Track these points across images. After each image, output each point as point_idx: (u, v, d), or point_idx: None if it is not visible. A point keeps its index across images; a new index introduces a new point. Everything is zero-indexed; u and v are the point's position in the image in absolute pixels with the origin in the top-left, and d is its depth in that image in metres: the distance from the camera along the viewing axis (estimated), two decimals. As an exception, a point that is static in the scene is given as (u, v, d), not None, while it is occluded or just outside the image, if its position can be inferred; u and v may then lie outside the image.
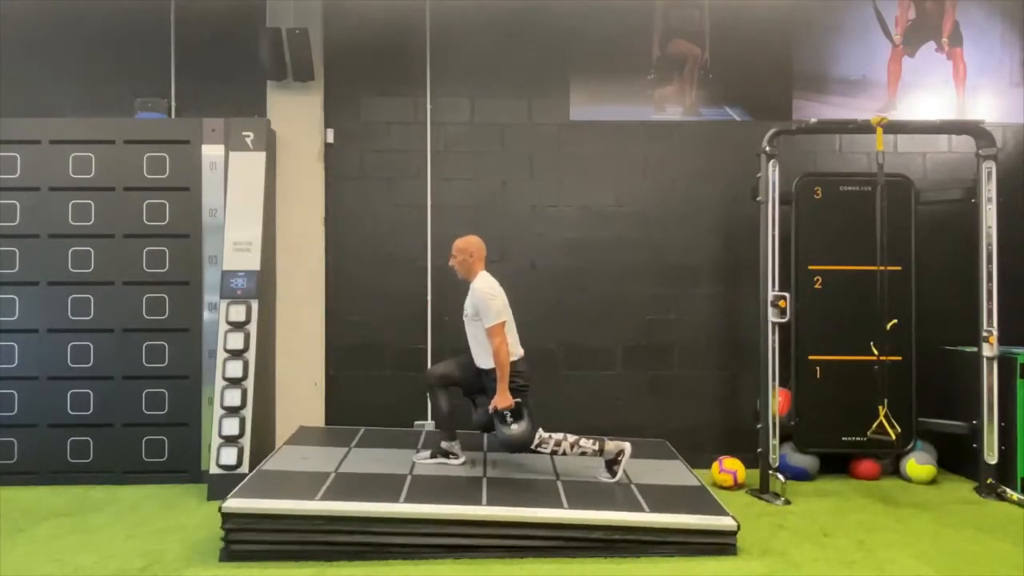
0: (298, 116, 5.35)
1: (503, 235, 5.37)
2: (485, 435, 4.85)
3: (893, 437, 4.58)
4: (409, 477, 4.09)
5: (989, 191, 4.76)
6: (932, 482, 4.99)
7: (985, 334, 4.71)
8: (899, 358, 4.94)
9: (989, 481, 4.69)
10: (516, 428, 4.10)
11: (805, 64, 5.59)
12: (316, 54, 5.27)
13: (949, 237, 5.33)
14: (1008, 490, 4.65)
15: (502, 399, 4.07)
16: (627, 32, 5.53)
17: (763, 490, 4.66)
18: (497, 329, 4.07)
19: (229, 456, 4.59)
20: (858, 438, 4.91)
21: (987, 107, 5.57)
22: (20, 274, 4.97)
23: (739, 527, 3.71)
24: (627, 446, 4.27)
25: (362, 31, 5.44)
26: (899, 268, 4.96)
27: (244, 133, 5.04)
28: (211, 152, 5.05)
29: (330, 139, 5.44)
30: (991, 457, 4.69)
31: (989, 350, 4.71)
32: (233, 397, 4.69)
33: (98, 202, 5.00)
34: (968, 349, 4.98)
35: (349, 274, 5.45)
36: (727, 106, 5.57)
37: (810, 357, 5.07)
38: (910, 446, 5.01)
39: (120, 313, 4.97)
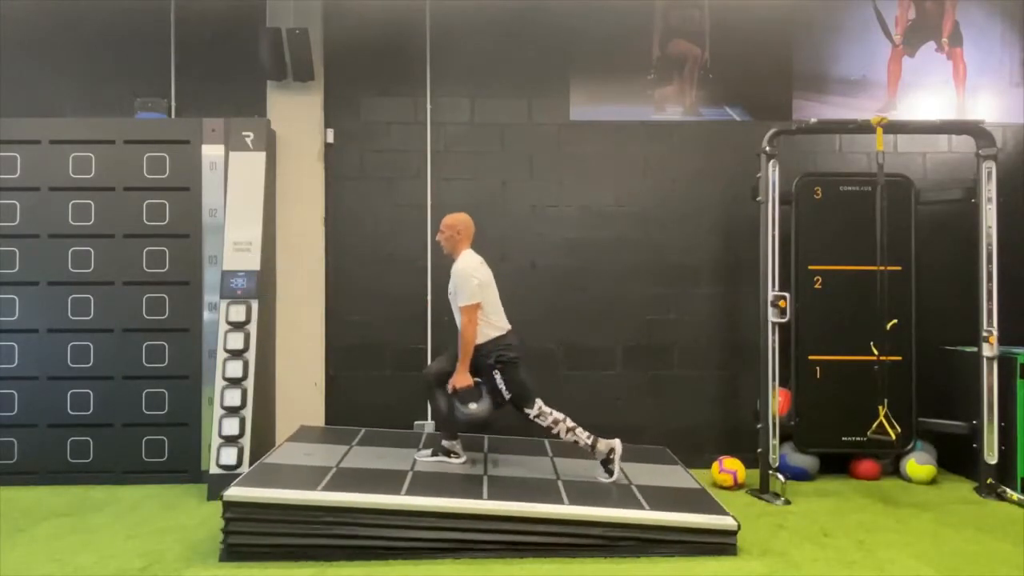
0: (298, 116, 5.35)
1: (503, 235, 5.37)
2: (486, 439, 4.85)
3: (893, 437, 4.58)
4: (410, 473, 4.10)
5: (989, 191, 4.76)
6: (932, 482, 4.99)
7: (985, 334, 4.71)
8: (899, 358, 4.94)
9: (989, 481, 4.69)
10: (474, 407, 4.14)
11: (805, 64, 5.59)
12: (316, 54, 5.27)
13: (949, 237, 5.33)
14: (1008, 490, 4.65)
15: (460, 378, 4.12)
16: (627, 32, 5.54)
17: (763, 490, 4.66)
18: (469, 310, 4.11)
19: (229, 456, 4.59)
20: (858, 438, 4.91)
21: (987, 107, 5.58)
22: (20, 274, 4.97)
23: (739, 527, 3.71)
24: (617, 443, 4.28)
25: (362, 31, 5.44)
26: (899, 268, 4.96)
27: (244, 133, 5.05)
28: (211, 152, 5.05)
29: (330, 139, 5.44)
30: (991, 457, 4.69)
31: (989, 350, 4.71)
32: (233, 397, 4.69)
33: (98, 202, 5.00)
34: (968, 349, 4.98)
35: (349, 274, 5.45)
36: (727, 106, 5.57)
37: (810, 357, 5.07)
38: (910, 446, 5.01)
39: (120, 313, 4.98)
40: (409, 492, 3.78)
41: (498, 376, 4.17)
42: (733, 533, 3.71)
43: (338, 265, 5.44)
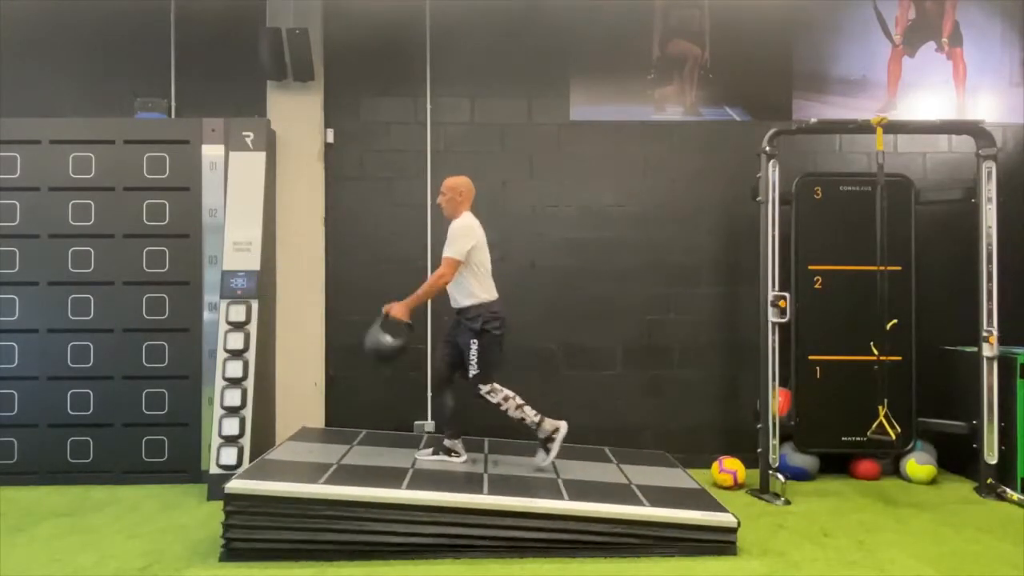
0: (298, 116, 5.35)
1: (503, 235, 5.36)
2: (487, 441, 4.85)
3: (893, 437, 4.58)
4: (411, 470, 4.10)
5: (989, 191, 4.76)
6: (932, 482, 4.99)
7: (985, 334, 4.71)
8: (899, 358, 4.94)
9: (989, 481, 4.69)
10: (390, 340, 4.16)
11: (805, 64, 5.59)
12: (316, 54, 5.27)
13: (949, 237, 5.33)
14: (1008, 490, 4.65)
15: (400, 310, 4.15)
16: (627, 32, 5.54)
17: (763, 490, 4.66)
18: (452, 263, 4.16)
19: (229, 456, 4.59)
20: (858, 438, 4.91)
21: (987, 107, 5.58)
22: (20, 274, 4.97)
23: (739, 523, 3.71)
24: (563, 424, 4.29)
25: (362, 31, 5.44)
26: (899, 268, 4.96)
27: (244, 133, 5.05)
28: (211, 152, 5.05)
29: (330, 139, 5.44)
30: (991, 457, 4.69)
31: (989, 350, 4.71)
32: (233, 397, 4.69)
33: (98, 202, 5.00)
34: (968, 349, 4.98)
35: (349, 274, 5.45)
36: (727, 106, 5.57)
37: (810, 357, 5.07)
38: (910, 446, 5.01)
39: (120, 313, 4.98)
40: (410, 487, 3.78)
41: (475, 345, 4.18)
42: (733, 530, 3.71)
43: (338, 265, 5.44)
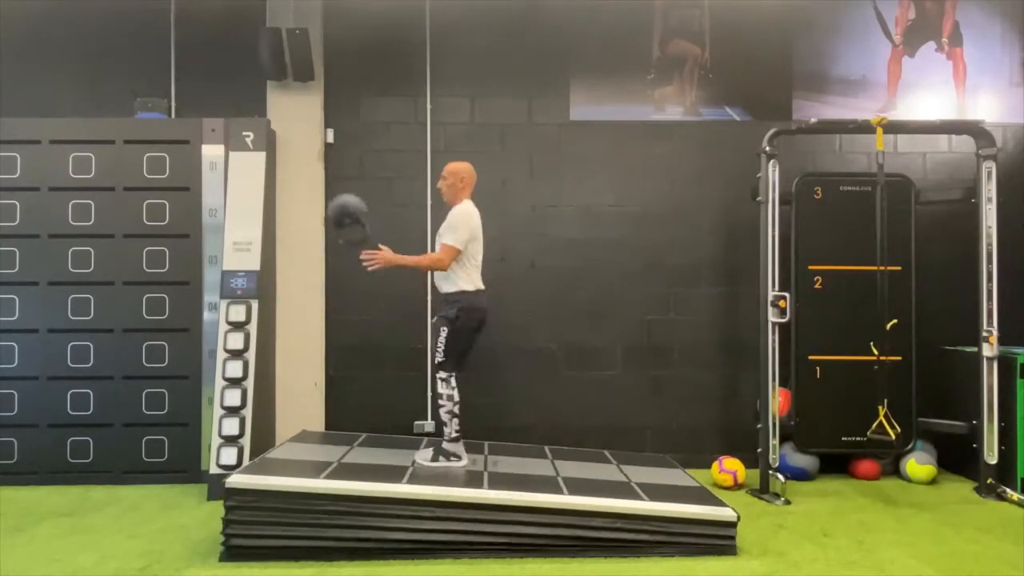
0: (298, 116, 5.35)
1: (503, 235, 5.37)
2: (487, 444, 4.84)
3: (893, 437, 4.58)
4: (411, 468, 4.11)
5: (989, 191, 4.76)
6: (932, 482, 4.99)
7: (985, 334, 4.71)
8: (899, 358, 4.94)
9: (989, 481, 4.69)
10: (347, 232, 4.17)
11: (805, 64, 5.59)
12: (316, 54, 5.27)
13: (949, 237, 5.33)
14: (1008, 490, 4.65)
15: (390, 258, 4.14)
16: (627, 32, 5.54)
17: (763, 490, 4.66)
18: (449, 250, 4.16)
19: (229, 456, 4.59)
20: (858, 438, 4.91)
21: (987, 107, 5.58)
22: (20, 274, 4.97)
23: (739, 517, 3.72)
24: (466, 460, 4.27)
25: (362, 31, 5.44)
26: (899, 268, 4.96)
27: (244, 133, 5.05)
28: (211, 152, 5.05)
29: (330, 139, 5.44)
30: (991, 457, 4.69)
31: (989, 350, 4.71)
32: (233, 397, 4.69)
33: (98, 202, 5.00)
34: (968, 349, 4.98)
35: (349, 274, 5.42)
36: (727, 106, 5.57)
37: (810, 357, 5.07)
38: (910, 446, 5.01)
39: (120, 313, 4.98)
40: (410, 483, 3.79)
41: (444, 332, 4.18)
42: (732, 524, 3.71)
43: (338, 265, 5.43)
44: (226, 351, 4.76)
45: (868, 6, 5.61)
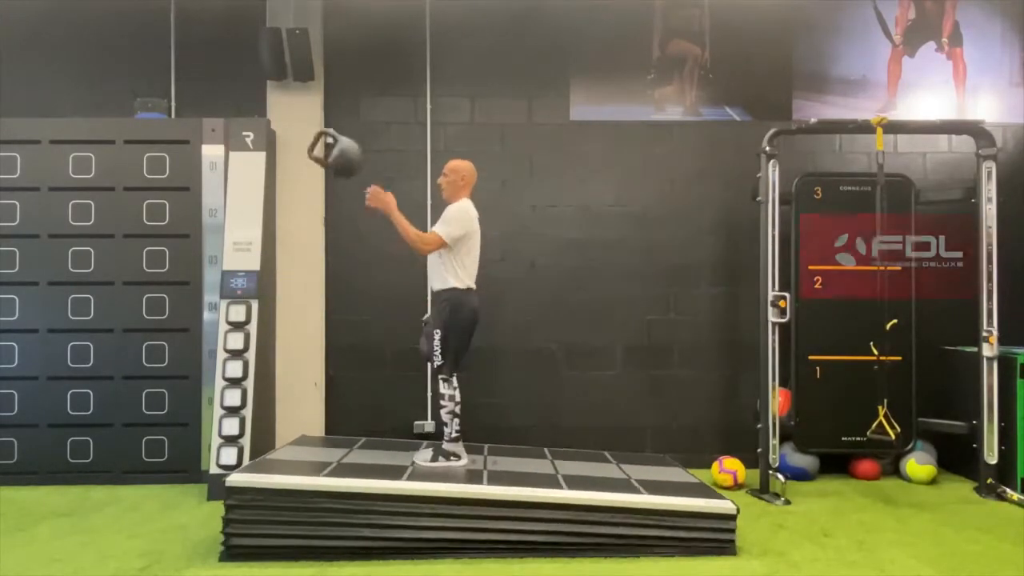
0: (298, 116, 5.35)
1: (503, 235, 5.38)
2: (487, 447, 4.84)
3: (893, 437, 4.58)
4: (410, 467, 4.11)
5: (989, 191, 4.76)
6: (932, 482, 4.99)
7: (985, 334, 4.71)
8: (899, 358, 4.94)
9: (989, 481, 4.69)
10: (337, 153, 4.23)
11: (805, 64, 5.59)
12: (316, 54, 5.27)
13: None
14: (1008, 490, 4.65)
15: (391, 204, 4.21)
16: (627, 32, 5.54)
17: (763, 490, 4.66)
18: (436, 241, 4.18)
19: (229, 456, 4.59)
20: (858, 438, 4.91)
21: (987, 107, 5.58)
22: (20, 274, 4.97)
23: (738, 510, 3.72)
24: (465, 460, 4.28)
25: (362, 31, 5.44)
26: (899, 268, 4.96)
27: (244, 133, 5.05)
28: (211, 152, 5.05)
29: (330, 139, 5.43)
30: (991, 457, 4.69)
31: (989, 350, 4.70)
32: (233, 397, 4.69)
33: (98, 202, 5.00)
34: (968, 349, 4.98)
35: (349, 274, 5.45)
36: (727, 106, 5.57)
37: (810, 357, 5.07)
38: (910, 446, 5.01)
39: (120, 313, 4.98)
40: (410, 480, 3.80)
41: (438, 335, 4.18)
42: (732, 517, 3.71)
43: (338, 265, 5.44)
44: (226, 351, 4.76)
45: (868, 6, 5.61)
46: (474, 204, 4.38)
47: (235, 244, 4.92)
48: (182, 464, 4.93)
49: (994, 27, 5.62)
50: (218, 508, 3.65)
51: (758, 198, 4.81)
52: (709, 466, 5.01)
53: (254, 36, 5.16)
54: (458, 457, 4.30)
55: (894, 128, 4.98)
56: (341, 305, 5.42)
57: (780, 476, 4.63)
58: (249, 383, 4.73)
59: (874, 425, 4.64)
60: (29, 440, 4.92)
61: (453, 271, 4.22)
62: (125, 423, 4.95)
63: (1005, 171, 5.22)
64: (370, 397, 5.40)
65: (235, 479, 3.62)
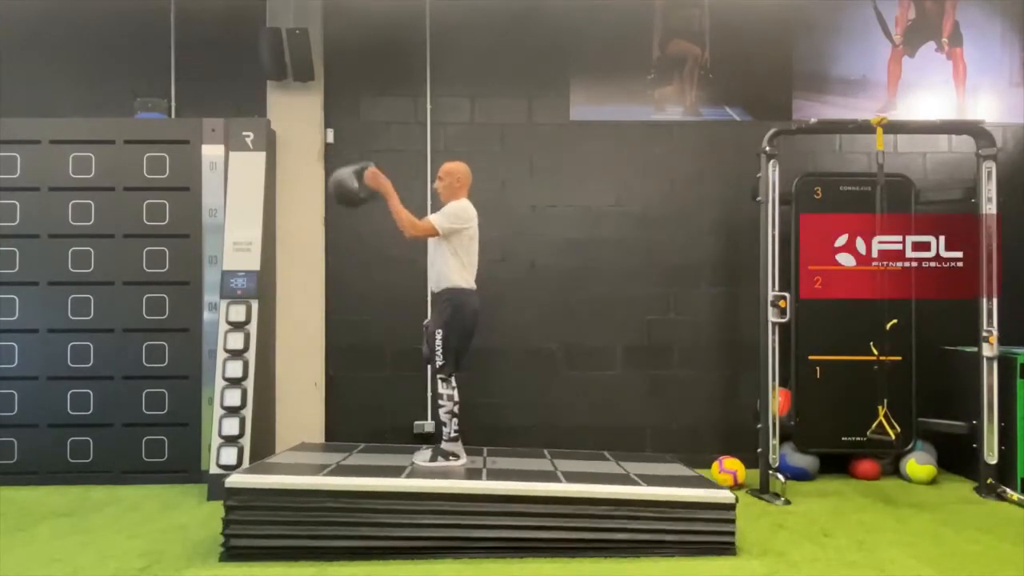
0: (298, 116, 5.35)
1: (503, 235, 5.38)
2: (486, 448, 4.84)
3: (893, 437, 4.58)
4: (409, 467, 4.11)
5: (989, 191, 4.76)
6: (932, 482, 4.99)
7: (985, 334, 4.71)
8: (899, 358, 4.94)
9: (989, 481, 4.69)
10: (344, 169, 4.29)
11: (805, 64, 5.59)
12: (316, 54, 5.27)
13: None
14: (1008, 490, 4.64)
15: (388, 187, 4.27)
16: (627, 32, 5.54)
17: (763, 490, 4.66)
18: (428, 228, 4.21)
19: (229, 456, 4.60)
20: (858, 438, 4.91)
21: (987, 107, 5.58)
22: (20, 274, 4.97)
23: (737, 500, 3.73)
24: (464, 459, 4.29)
25: (362, 31, 5.44)
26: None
27: (244, 133, 5.05)
28: (211, 152, 5.05)
29: (330, 139, 5.44)
30: (991, 457, 4.69)
31: (989, 350, 4.70)
32: (233, 397, 4.69)
33: (98, 202, 5.01)
34: (968, 349, 4.98)
35: (349, 274, 5.45)
36: (727, 106, 5.57)
37: (810, 357, 5.07)
38: (910, 446, 5.01)
39: (120, 313, 4.98)
40: (409, 479, 3.80)
41: (439, 335, 4.18)
42: (731, 507, 3.71)
43: (338, 265, 5.44)
44: (226, 351, 4.76)
45: (868, 6, 5.61)
46: (473, 204, 4.38)
47: (235, 244, 4.92)
48: (182, 464, 4.93)
49: (994, 27, 5.62)
50: (218, 508, 3.65)
51: (758, 198, 4.81)
52: (709, 466, 5.01)
53: (254, 36, 5.16)
54: (457, 457, 4.31)
55: (894, 128, 4.98)
56: (341, 305, 5.43)
57: (780, 476, 4.63)
58: (249, 383, 4.73)
59: (874, 425, 4.65)
60: (29, 440, 4.92)
61: (457, 269, 4.22)
62: (125, 423, 4.95)
63: (1005, 171, 5.22)
64: (370, 397, 5.40)
65: (235, 479, 3.62)
